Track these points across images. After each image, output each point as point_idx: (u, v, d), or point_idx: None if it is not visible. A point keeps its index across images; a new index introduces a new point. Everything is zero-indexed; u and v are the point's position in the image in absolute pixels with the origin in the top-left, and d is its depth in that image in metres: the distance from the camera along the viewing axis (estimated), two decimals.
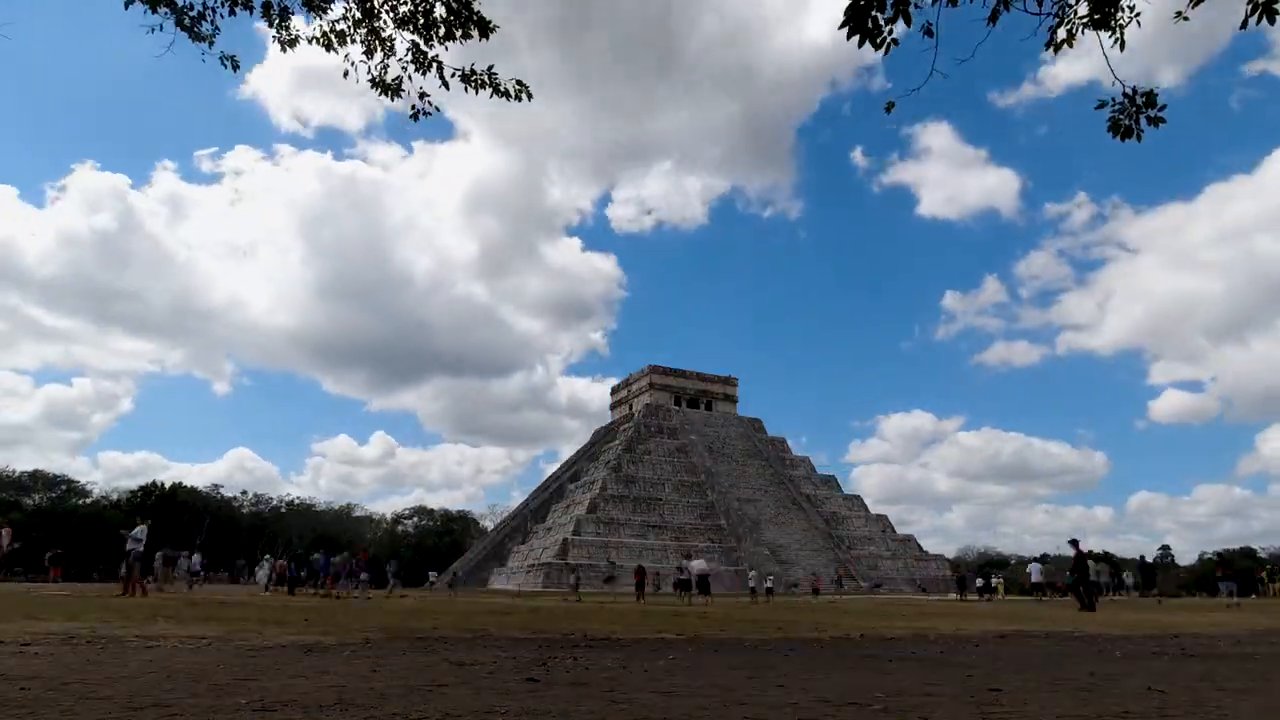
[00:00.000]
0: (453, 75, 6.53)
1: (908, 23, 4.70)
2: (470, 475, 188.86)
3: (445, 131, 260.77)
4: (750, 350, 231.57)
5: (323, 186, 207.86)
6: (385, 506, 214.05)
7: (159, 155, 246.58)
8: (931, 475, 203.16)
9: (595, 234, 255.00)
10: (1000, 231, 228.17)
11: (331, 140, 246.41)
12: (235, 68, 6.66)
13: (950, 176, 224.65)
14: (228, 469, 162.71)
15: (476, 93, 6.54)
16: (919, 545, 71.04)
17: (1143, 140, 5.03)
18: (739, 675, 5.55)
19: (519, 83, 6.57)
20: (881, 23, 4.66)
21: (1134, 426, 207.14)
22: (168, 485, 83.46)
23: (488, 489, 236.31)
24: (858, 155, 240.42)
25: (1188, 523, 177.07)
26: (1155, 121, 4.91)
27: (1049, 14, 4.86)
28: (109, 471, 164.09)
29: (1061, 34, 4.82)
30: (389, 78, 6.56)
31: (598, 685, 4.86)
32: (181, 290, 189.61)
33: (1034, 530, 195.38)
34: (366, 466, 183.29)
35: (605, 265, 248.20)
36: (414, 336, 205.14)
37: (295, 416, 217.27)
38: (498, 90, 6.53)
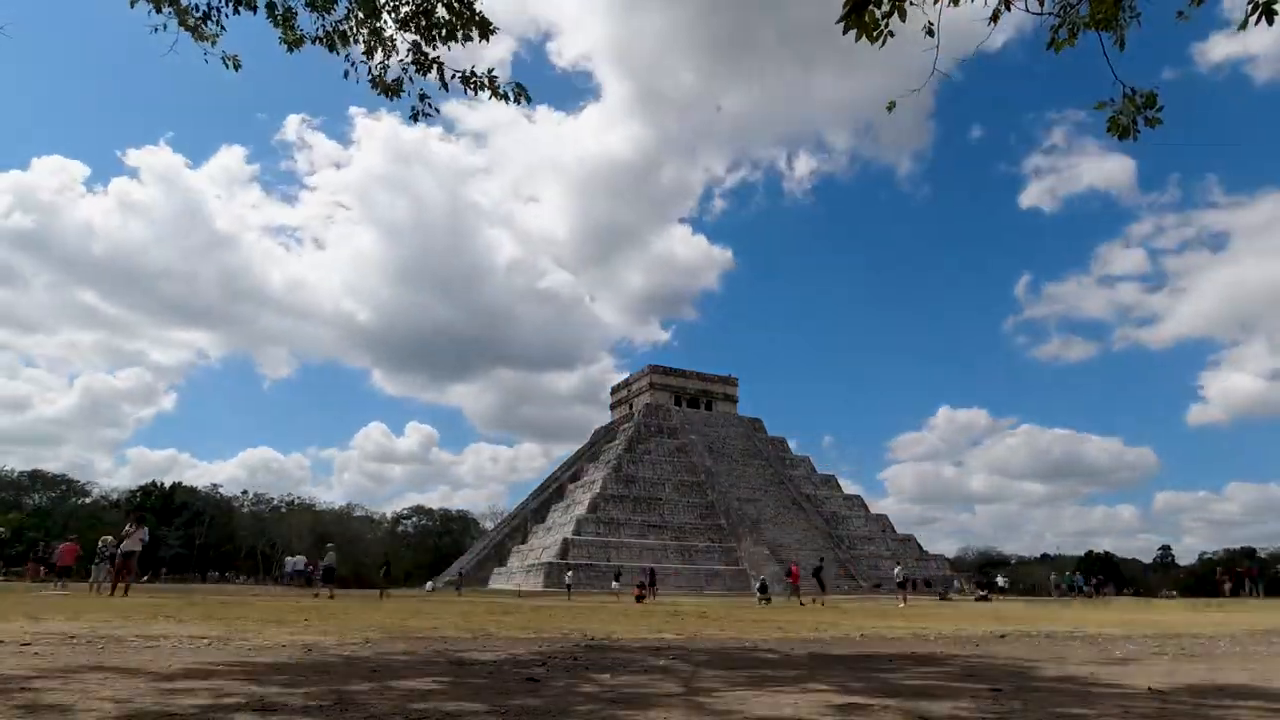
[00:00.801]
0: (453, 77, 6.53)
1: (902, 18, 4.72)
2: (503, 473, 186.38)
3: (575, 98, 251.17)
4: (812, 336, 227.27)
5: (400, 162, 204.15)
6: (420, 501, 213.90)
7: (226, 137, 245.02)
8: (967, 473, 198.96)
9: (710, 223, 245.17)
10: (1094, 220, 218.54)
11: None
12: (237, 68, 6.66)
13: (1061, 163, 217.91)
14: (246, 467, 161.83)
15: (476, 94, 6.55)
16: (919, 545, 71.05)
17: (1138, 140, 5.03)
18: (738, 675, 5.56)
19: (519, 85, 6.58)
20: (879, 18, 4.68)
21: (1186, 423, 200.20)
22: (168, 485, 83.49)
23: (514, 486, 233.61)
24: (976, 133, 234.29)
25: (1215, 520, 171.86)
26: (1152, 122, 4.91)
27: (1050, 14, 4.86)
28: (137, 468, 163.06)
29: (1063, 34, 4.82)
30: (389, 78, 6.56)
31: (597, 685, 4.87)
32: (237, 276, 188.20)
33: (1057, 530, 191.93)
34: (401, 463, 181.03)
35: (712, 254, 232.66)
36: (484, 327, 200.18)
37: (340, 410, 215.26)
38: (496, 93, 6.53)
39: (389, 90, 6.60)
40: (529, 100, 6.61)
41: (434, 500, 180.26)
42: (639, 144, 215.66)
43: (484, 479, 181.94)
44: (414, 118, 6.83)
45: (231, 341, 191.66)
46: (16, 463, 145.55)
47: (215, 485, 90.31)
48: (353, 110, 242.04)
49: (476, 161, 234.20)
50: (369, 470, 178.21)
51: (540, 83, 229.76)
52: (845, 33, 4.70)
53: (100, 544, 23.70)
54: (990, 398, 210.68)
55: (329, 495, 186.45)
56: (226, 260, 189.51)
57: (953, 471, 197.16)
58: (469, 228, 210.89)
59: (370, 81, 6.56)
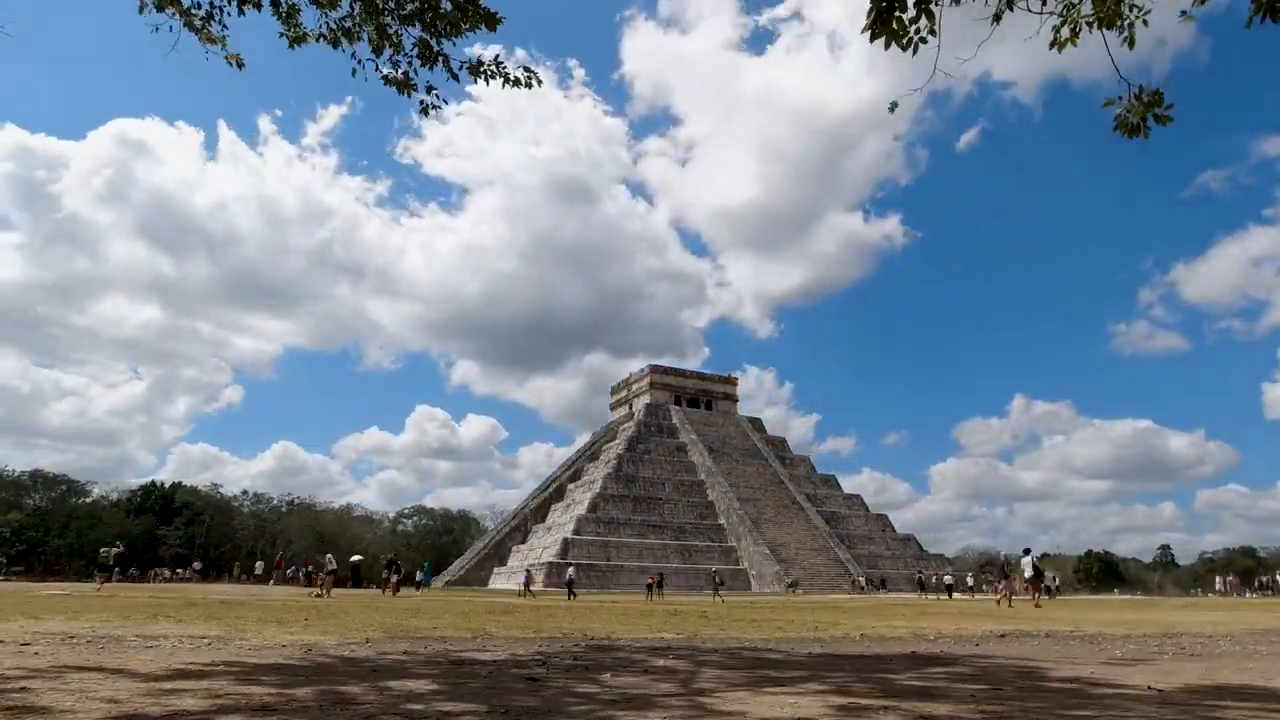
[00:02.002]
0: (461, 68, 6.51)
1: (930, 20, 4.68)
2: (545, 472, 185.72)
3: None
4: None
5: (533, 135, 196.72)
6: (454, 500, 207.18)
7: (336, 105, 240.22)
8: (1020, 470, 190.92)
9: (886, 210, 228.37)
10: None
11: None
12: (240, 66, 6.65)
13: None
14: (276, 463, 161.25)
15: (487, 83, 6.50)
16: (919, 544, 71.08)
17: (1149, 138, 5.01)
18: (738, 675, 5.55)
19: (527, 69, 6.54)
20: (906, 23, 4.65)
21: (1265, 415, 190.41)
22: (167, 485, 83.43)
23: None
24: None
25: (1257, 518, 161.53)
26: (1162, 120, 4.87)
27: (1052, 13, 4.84)
28: (176, 464, 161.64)
29: (1065, 33, 4.80)
30: (398, 73, 6.53)
31: (598, 685, 4.86)
32: (332, 257, 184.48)
33: (1101, 527, 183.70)
34: (456, 459, 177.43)
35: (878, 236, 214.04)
36: (597, 310, 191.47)
37: (403, 398, 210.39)
38: (507, 79, 6.49)
39: (400, 85, 6.57)
40: (539, 83, 6.58)
41: (470, 497, 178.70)
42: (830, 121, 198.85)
43: (538, 476, 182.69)
44: (424, 111, 6.80)
45: (310, 329, 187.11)
46: (59, 458, 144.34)
47: (215, 485, 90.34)
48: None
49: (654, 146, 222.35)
50: (419, 466, 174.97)
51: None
52: (873, 40, 4.67)
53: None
54: (1077, 388, 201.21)
55: (365, 494, 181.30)
56: (319, 240, 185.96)
57: (1006, 468, 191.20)
58: (612, 200, 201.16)
59: (382, 78, 6.53)
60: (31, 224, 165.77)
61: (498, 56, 6.55)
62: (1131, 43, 4.73)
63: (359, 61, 6.47)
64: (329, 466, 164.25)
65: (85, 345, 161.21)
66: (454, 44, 6.42)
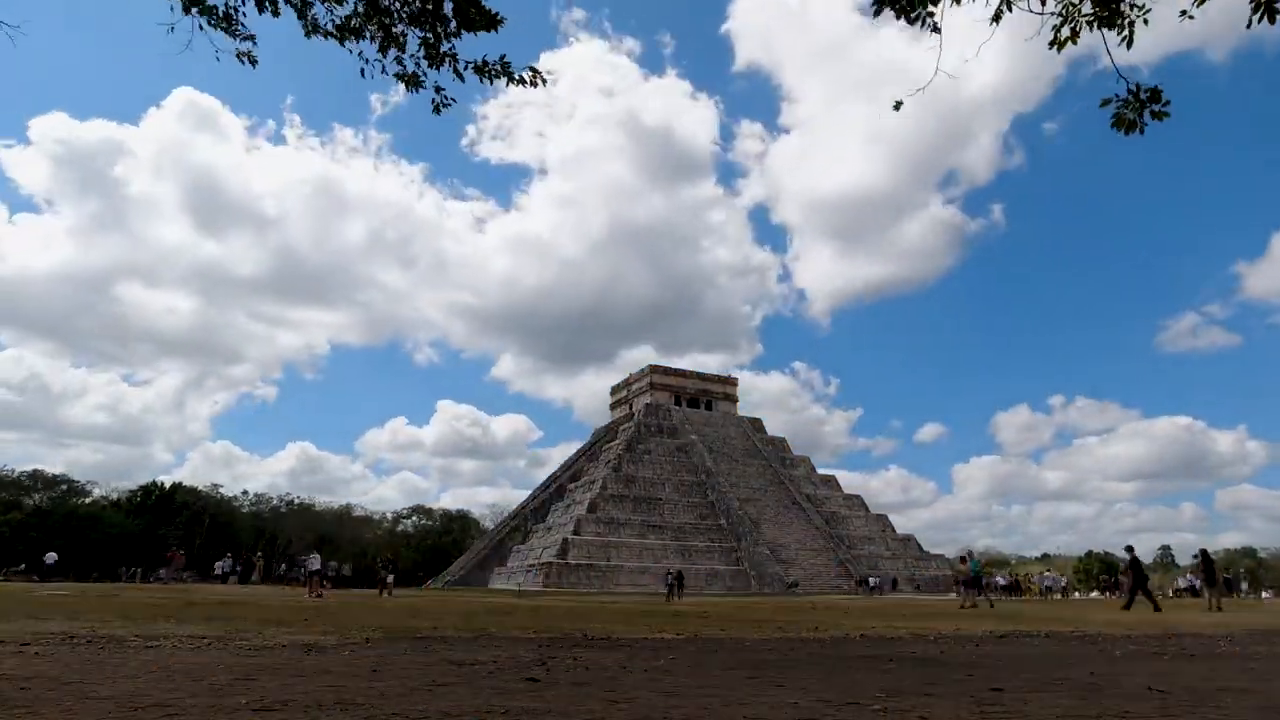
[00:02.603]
0: (466, 67, 6.51)
1: (934, 1, 4.66)
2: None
3: None
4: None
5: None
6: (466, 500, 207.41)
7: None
8: (1047, 471, 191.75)
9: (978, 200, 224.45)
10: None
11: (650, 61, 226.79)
12: (254, 63, 6.65)
13: None
14: (294, 462, 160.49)
15: (492, 83, 6.50)
16: (919, 545, 71.09)
17: (1145, 133, 5.01)
18: (738, 675, 5.55)
19: (533, 69, 6.54)
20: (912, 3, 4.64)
21: None
22: (167, 485, 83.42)
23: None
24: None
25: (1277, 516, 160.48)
26: (1159, 116, 4.89)
27: (1053, 13, 4.84)
28: (201, 461, 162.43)
29: (1065, 32, 4.80)
30: (406, 71, 6.53)
31: (598, 685, 4.86)
32: (379, 250, 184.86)
33: (1117, 528, 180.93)
34: (488, 459, 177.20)
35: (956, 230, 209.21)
36: (656, 302, 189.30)
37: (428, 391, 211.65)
38: (512, 78, 6.49)
39: (409, 82, 6.57)
40: (544, 82, 6.57)
41: (490, 495, 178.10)
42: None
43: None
44: (436, 110, 6.79)
45: (353, 322, 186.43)
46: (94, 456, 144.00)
47: (216, 485, 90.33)
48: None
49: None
50: (440, 465, 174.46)
51: None
52: (876, 15, 4.66)
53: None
54: (1121, 385, 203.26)
55: (385, 490, 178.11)
56: (369, 229, 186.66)
57: (1034, 467, 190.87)
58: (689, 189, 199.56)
59: (396, 76, 6.54)
60: (77, 211, 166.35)
61: (503, 56, 6.54)
62: (1130, 42, 4.74)
63: (365, 60, 6.47)
64: (349, 466, 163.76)
65: (123, 337, 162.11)
66: (460, 40, 6.41)
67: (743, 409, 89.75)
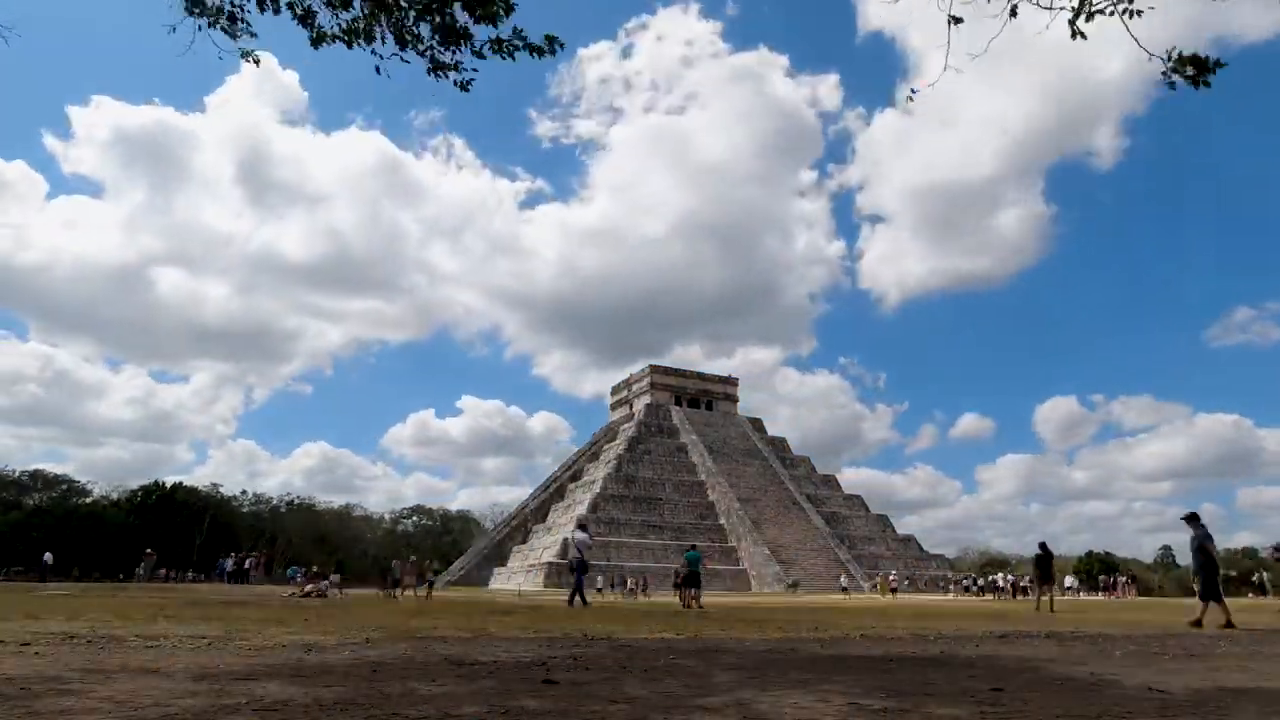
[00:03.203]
0: (483, 46, 6.45)
1: None
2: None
3: None
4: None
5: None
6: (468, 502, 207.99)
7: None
8: (1077, 470, 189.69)
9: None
10: None
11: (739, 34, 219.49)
12: (257, 63, 6.62)
13: None
14: (310, 460, 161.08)
15: (513, 58, 6.40)
16: (919, 545, 71.11)
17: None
18: (739, 676, 5.55)
19: (549, 37, 6.46)
20: None
21: None
22: (168, 484, 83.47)
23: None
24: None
25: None
26: (1213, 68, 4.80)
27: (1063, 9, 4.83)
28: (223, 462, 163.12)
29: (1081, 23, 4.78)
30: (429, 60, 6.46)
31: (598, 685, 4.86)
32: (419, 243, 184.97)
33: (1135, 527, 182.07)
34: (523, 457, 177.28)
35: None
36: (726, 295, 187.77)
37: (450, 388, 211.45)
38: (532, 48, 6.40)
39: (438, 68, 6.51)
40: (562, 47, 6.50)
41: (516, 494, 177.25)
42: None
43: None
44: (463, 88, 6.71)
45: (399, 316, 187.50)
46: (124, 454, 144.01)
47: (215, 485, 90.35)
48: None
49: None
50: (465, 464, 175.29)
51: None
52: None
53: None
54: (1168, 380, 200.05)
55: (398, 487, 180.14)
56: (425, 218, 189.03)
57: (1065, 467, 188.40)
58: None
59: (429, 69, 6.46)
60: (123, 197, 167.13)
61: (516, 28, 6.43)
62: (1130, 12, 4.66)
63: (380, 57, 6.40)
64: (370, 467, 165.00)
65: (160, 330, 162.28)
66: (475, 24, 6.33)
67: (782, 405, 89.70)
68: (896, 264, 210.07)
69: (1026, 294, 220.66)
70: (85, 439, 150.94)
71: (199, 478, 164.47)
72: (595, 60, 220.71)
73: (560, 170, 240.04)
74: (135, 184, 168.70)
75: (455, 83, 6.61)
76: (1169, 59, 4.80)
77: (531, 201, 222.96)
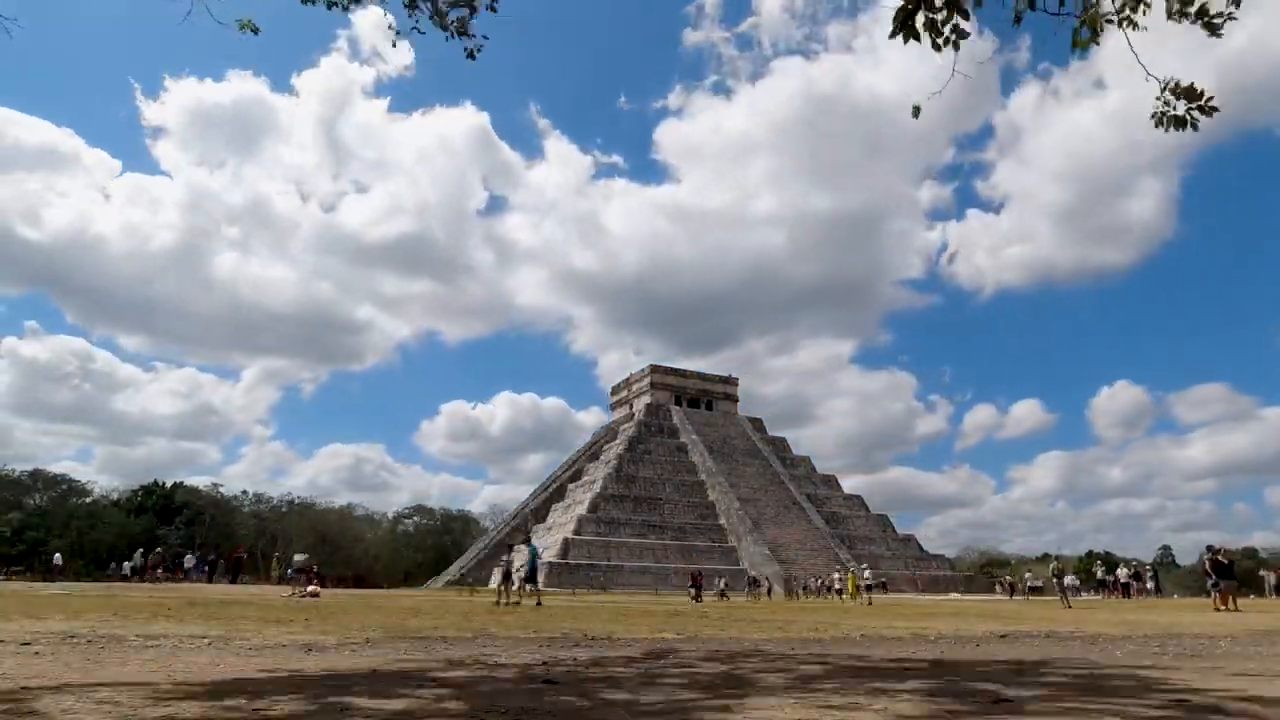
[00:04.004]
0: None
1: (964, 18, 4.58)
2: None
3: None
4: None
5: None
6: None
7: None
8: (1117, 467, 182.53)
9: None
10: None
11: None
12: (255, 32, 6.57)
13: None
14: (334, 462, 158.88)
15: None
16: (919, 545, 71.08)
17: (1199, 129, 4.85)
18: (739, 675, 5.55)
19: None
20: (939, 23, 4.57)
21: None
22: (168, 484, 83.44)
23: None
24: None
25: None
26: (1208, 111, 4.72)
27: (1069, 14, 4.80)
28: (255, 457, 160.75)
29: (1085, 33, 4.76)
30: (445, 20, 6.34)
31: (598, 685, 4.86)
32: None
33: (1159, 526, 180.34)
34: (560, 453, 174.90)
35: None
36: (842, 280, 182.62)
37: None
38: None
39: (452, 29, 6.41)
40: None
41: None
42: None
43: None
44: (470, 55, 6.58)
45: (463, 308, 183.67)
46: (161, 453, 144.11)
47: (216, 484, 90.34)
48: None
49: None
50: (502, 461, 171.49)
51: None
52: (892, 36, 4.59)
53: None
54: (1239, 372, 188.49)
55: (419, 483, 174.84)
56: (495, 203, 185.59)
57: (1104, 466, 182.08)
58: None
59: (443, 29, 6.35)
60: (191, 178, 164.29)
61: None
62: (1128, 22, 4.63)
63: (396, 32, 6.30)
64: (406, 466, 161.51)
65: (218, 322, 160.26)
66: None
67: (840, 399, 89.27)
68: (998, 253, 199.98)
69: (1133, 285, 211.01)
70: (121, 437, 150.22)
71: (227, 477, 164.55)
72: (698, 34, 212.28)
73: (641, 147, 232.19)
74: (205, 162, 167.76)
75: (466, 49, 6.48)
76: (1164, 88, 4.76)
77: (619, 183, 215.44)
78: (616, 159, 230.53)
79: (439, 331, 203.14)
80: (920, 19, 4.61)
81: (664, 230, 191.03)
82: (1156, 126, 4.86)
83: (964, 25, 4.64)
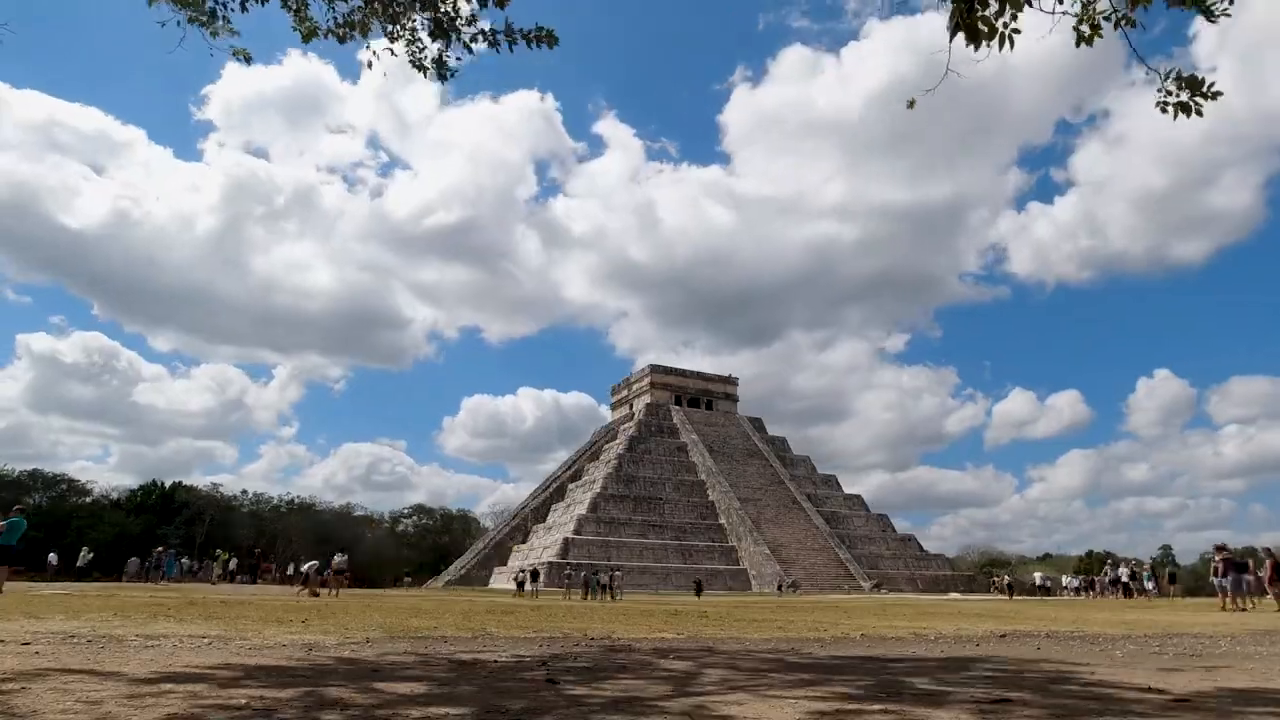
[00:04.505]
0: (473, 39, 6.43)
1: (1017, 9, 4.59)
2: None
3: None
4: None
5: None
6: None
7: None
8: (1140, 464, 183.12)
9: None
10: None
11: None
12: (248, 61, 6.60)
13: None
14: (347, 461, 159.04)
15: (511, 49, 6.32)
16: (919, 545, 71.07)
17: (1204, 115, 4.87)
18: (738, 675, 5.55)
19: (540, 26, 6.38)
20: (992, 19, 4.58)
21: None
22: (167, 484, 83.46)
23: None
24: None
25: None
26: (1211, 97, 4.74)
27: (1067, 12, 4.81)
28: (266, 463, 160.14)
29: (1085, 29, 4.76)
30: (419, 57, 6.42)
31: (598, 685, 4.86)
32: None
33: (1172, 525, 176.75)
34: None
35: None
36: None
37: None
38: (527, 38, 6.32)
39: (437, 68, 6.49)
40: (556, 43, 6.45)
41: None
42: None
43: None
44: (442, 78, 6.67)
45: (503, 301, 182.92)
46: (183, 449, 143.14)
47: (215, 484, 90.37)
48: None
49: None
50: (526, 458, 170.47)
51: None
52: (953, 38, 4.60)
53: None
54: None
55: (437, 482, 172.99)
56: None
57: (1129, 464, 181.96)
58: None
59: (412, 63, 6.43)
60: (229, 164, 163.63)
61: (508, 20, 6.38)
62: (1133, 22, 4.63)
63: (374, 53, 6.37)
64: (432, 466, 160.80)
65: (251, 317, 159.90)
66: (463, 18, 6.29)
67: (875, 392, 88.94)
68: (1064, 243, 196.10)
69: (1208, 278, 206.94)
70: (144, 435, 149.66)
71: (245, 476, 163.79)
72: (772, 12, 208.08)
73: (705, 136, 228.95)
74: (250, 149, 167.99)
75: (439, 75, 6.57)
76: (1164, 77, 4.76)
77: (677, 170, 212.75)
78: (675, 144, 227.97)
79: (479, 327, 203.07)
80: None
81: (721, 219, 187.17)
82: (1162, 113, 4.87)
83: (1014, 28, 4.64)
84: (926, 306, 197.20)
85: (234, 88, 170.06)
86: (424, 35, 6.39)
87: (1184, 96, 4.79)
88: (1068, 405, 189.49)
